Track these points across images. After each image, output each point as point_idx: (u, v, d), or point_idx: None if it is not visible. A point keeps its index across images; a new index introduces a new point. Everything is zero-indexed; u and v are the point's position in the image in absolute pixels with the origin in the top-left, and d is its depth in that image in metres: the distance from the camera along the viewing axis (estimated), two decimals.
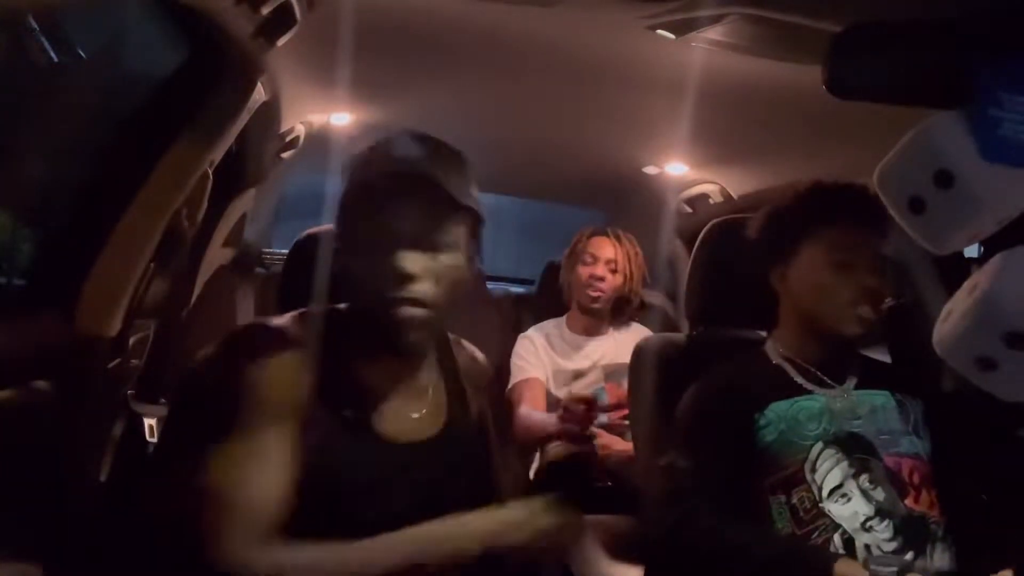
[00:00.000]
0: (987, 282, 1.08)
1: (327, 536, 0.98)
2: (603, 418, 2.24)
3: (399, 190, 1.01)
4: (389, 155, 1.05)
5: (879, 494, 1.24)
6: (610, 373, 2.31)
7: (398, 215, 1.01)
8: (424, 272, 1.01)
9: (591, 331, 2.39)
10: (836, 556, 1.18)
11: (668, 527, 1.26)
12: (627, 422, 2.05)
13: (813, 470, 1.26)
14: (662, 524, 1.27)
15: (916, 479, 1.27)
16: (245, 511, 0.97)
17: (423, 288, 1.01)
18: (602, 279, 2.33)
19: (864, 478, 1.25)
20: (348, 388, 1.07)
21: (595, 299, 2.33)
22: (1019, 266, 1.08)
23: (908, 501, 1.25)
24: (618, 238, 2.39)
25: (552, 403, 2.26)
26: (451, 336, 1.27)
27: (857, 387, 1.36)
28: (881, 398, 1.35)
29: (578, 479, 2.10)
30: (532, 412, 2.20)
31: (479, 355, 1.31)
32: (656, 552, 1.38)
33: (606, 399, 2.28)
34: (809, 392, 1.34)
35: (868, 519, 1.22)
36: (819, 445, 1.28)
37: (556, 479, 2.12)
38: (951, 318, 1.14)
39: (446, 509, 1.05)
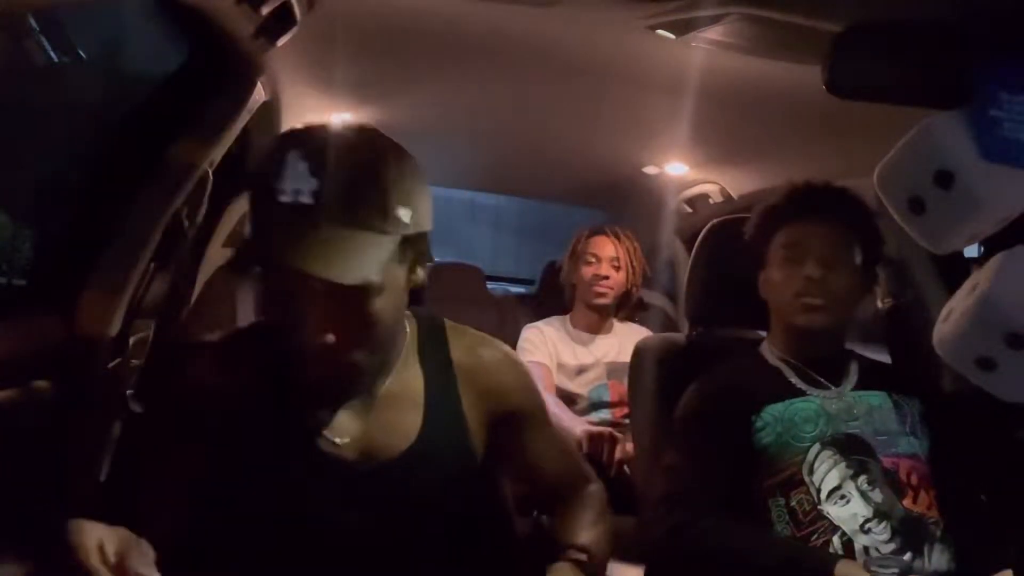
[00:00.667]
0: (987, 282, 1.08)
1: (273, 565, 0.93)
2: (606, 415, 2.26)
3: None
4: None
5: (877, 495, 1.24)
6: (613, 371, 2.33)
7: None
8: None
9: (596, 328, 2.41)
10: (837, 558, 1.18)
11: (668, 528, 1.25)
12: (628, 420, 2.06)
13: (811, 472, 1.26)
14: (662, 525, 1.27)
15: (914, 480, 1.27)
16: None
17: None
18: (607, 277, 2.37)
19: (862, 479, 1.25)
20: (282, 401, 0.97)
21: (602, 295, 2.37)
22: (1019, 266, 1.08)
23: (906, 502, 1.24)
24: (616, 235, 2.43)
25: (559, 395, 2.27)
26: (451, 325, 1.09)
27: (854, 388, 1.36)
28: (878, 399, 1.35)
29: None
30: (548, 396, 2.19)
31: (492, 352, 1.09)
32: (656, 553, 1.38)
33: (608, 396, 2.30)
34: (804, 393, 1.34)
35: (867, 520, 1.22)
36: (816, 447, 1.28)
37: None
38: (951, 318, 1.14)
39: (408, 545, 0.96)
